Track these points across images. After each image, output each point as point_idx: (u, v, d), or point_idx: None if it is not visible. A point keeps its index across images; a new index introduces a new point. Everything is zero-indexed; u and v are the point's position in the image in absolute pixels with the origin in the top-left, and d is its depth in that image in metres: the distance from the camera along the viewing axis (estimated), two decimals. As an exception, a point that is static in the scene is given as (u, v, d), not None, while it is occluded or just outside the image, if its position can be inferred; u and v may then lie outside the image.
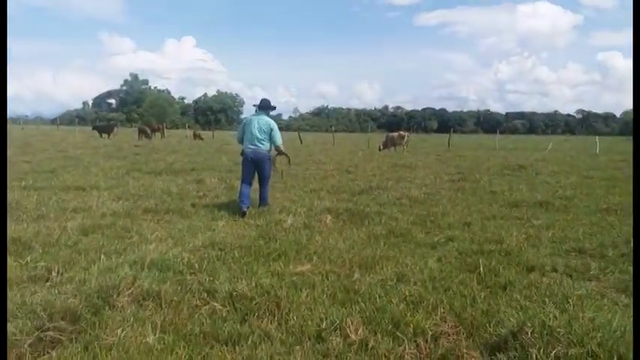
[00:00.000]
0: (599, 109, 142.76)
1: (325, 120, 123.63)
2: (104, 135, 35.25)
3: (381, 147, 26.80)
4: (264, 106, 8.18)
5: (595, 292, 4.19)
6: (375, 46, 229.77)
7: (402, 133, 28.55)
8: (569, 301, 3.76)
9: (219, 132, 71.66)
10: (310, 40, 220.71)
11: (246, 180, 7.94)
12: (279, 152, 8.45)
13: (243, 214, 7.41)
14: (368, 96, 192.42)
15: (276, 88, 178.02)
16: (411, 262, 5.05)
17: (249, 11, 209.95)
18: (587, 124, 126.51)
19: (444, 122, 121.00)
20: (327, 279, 4.37)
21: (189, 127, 54.30)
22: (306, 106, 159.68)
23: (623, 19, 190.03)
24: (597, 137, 33.04)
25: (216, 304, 3.75)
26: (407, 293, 3.98)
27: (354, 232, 6.41)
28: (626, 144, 47.65)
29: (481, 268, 4.77)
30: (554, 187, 11.48)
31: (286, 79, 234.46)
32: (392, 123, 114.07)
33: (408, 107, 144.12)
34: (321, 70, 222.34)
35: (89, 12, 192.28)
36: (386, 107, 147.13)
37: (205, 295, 3.99)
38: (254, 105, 8.27)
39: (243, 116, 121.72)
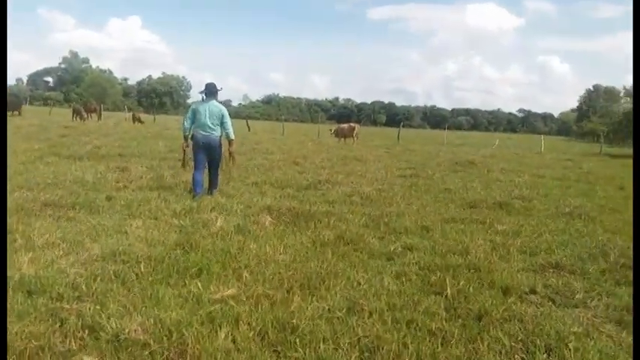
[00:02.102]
0: (538, 109, 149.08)
1: (276, 109, 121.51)
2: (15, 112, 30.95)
3: (332, 133, 26.94)
4: (212, 92, 7.87)
5: (588, 324, 3.40)
6: (327, 38, 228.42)
7: (352, 124, 27.85)
8: (567, 344, 2.93)
9: (162, 116, 68.67)
10: (262, 28, 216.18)
11: (199, 167, 7.80)
12: (230, 150, 8.34)
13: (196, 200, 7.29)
14: (319, 87, 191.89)
15: (225, 73, 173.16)
16: (364, 281, 4.11)
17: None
18: (527, 122, 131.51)
19: (392, 116, 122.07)
20: (258, 308, 3.33)
21: (129, 109, 51.14)
22: (257, 94, 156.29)
23: (562, 25, 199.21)
24: (542, 136, 33.75)
25: (86, 357, 2.61)
26: (360, 333, 3.01)
27: (297, 237, 5.39)
28: (565, 143, 49.64)
29: (448, 290, 3.90)
30: (509, 186, 10.96)
31: (236, 65, 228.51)
32: (342, 115, 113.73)
33: (358, 100, 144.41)
34: (272, 58, 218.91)
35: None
36: (337, 99, 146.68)
37: (86, 335, 2.86)
38: (200, 92, 7.97)
39: (189, 100, 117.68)
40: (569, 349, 2.82)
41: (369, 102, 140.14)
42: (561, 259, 4.91)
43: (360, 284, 4.03)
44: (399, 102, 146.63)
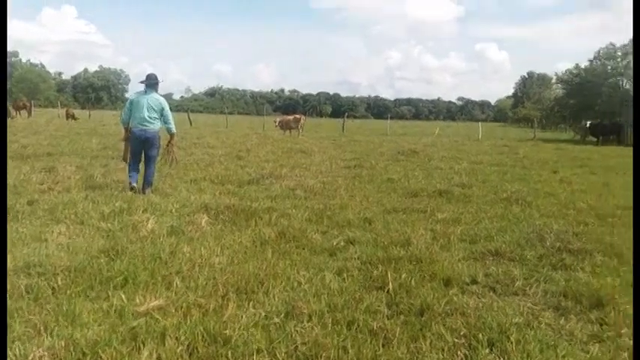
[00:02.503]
0: (476, 97, 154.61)
1: (219, 101, 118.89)
2: None
3: (277, 125, 26.92)
4: (152, 83, 7.67)
5: (528, 312, 3.39)
6: (272, 28, 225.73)
7: (297, 116, 27.60)
8: (508, 335, 2.88)
9: (99, 111, 65.55)
10: (204, 18, 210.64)
11: (135, 161, 7.70)
12: (169, 146, 8.16)
13: (132, 189, 7.43)
14: (264, 78, 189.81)
15: (167, 65, 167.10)
16: (305, 280, 3.93)
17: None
18: (466, 110, 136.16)
19: (337, 107, 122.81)
20: (187, 320, 3.07)
21: (62, 105, 48.36)
22: (200, 86, 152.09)
23: (500, 13, 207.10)
24: (480, 124, 34.94)
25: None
26: (298, 340, 2.83)
27: (235, 237, 5.12)
28: (502, 129, 51.70)
29: (390, 285, 3.80)
30: (449, 174, 11.16)
31: (178, 56, 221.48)
32: (288, 106, 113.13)
33: (304, 91, 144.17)
34: (215, 49, 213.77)
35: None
36: (282, 90, 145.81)
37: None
38: (141, 82, 7.74)
39: (128, 94, 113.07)
40: (511, 342, 2.77)
41: (314, 93, 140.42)
42: (500, 245, 4.95)
43: (300, 284, 3.84)
44: (344, 93, 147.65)
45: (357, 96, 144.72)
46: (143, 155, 7.69)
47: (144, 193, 7.34)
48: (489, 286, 3.94)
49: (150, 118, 7.45)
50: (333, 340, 2.83)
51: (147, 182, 7.59)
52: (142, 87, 7.76)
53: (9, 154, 11.27)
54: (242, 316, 3.13)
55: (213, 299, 3.46)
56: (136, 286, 3.65)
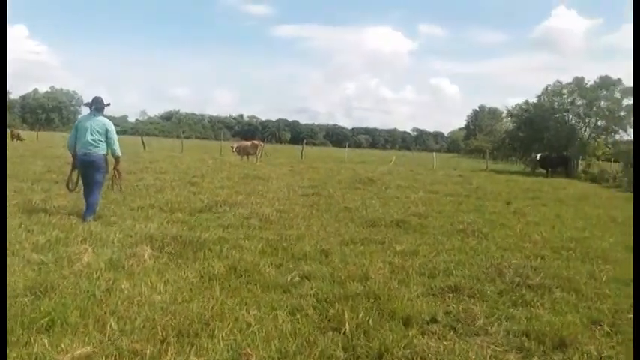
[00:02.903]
0: (430, 128, 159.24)
1: (176, 125, 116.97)
2: None
3: (234, 150, 26.41)
4: (97, 104, 7.48)
5: (490, 356, 3.20)
6: (232, 53, 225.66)
7: (255, 142, 27.35)
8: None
9: (49, 133, 62.97)
10: (162, 40, 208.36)
11: (89, 186, 7.36)
12: (117, 168, 7.91)
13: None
14: (223, 103, 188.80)
15: (122, 88, 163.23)
16: (255, 320, 3.62)
17: (95, 2, 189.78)
18: (420, 141, 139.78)
19: (296, 134, 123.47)
20: (117, 371, 2.70)
21: (7, 126, 45.99)
22: (156, 110, 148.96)
23: (452, 49, 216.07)
24: (435, 154, 35.76)
25: None
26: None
27: (181, 271, 4.75)
28: (455, 160, 53.16)
29: (347, 326, 3.54)
30: (406, 203, 11.13)
31: (134, 79, 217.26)
32: (247, 132, 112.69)
33: (263, 117, 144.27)
34: (173, 72, 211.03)
35: None
36: (241, 116, 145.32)
37: None
38: (85, 104, 7.73)
39: (81, 116, 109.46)
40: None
41: (273, 119, 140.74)
42: (460, 280, 4.81)
43: (249, 325, 3.53)
44: (303, 120, 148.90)
45: (316, 124, 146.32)
46: (87, 182, 7.38)
47: (84, 220, 6.90)
48: (450, 325, 3.75)
49: (93, 141, 7.22)
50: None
51: (89, 209, 7.22)
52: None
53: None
54: (182, 366, 2.78)
55: (150, 344, 3.09)
56: (64, 330, 3.24)
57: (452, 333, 3.62)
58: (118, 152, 7.55)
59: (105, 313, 3.55)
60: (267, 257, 5.51)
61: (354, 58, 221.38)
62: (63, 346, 2.99)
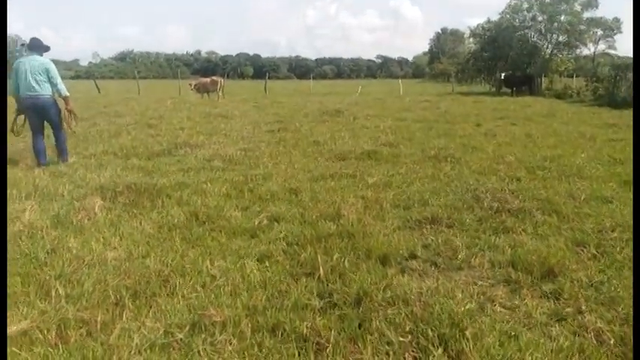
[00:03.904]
0: (394, 54, 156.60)
1: (131, 66, 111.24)
2: None
3: (193, 88, 25.01)
4: (35, 46, 7.09)
5: (478, 293, 2.99)
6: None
7: (215, 78, 26.02)
8: (462, 329, 2.44)
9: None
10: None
11: (36, 132, 7.06)
12: (68, 109, 7.39)
13: (41, 165, 6.90)
14: (178, 40, 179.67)
15: (69, 29, 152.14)
16: (220, 273, 3.29)
17: None
18: (385, 68, 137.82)
19: (259, 68, 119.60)
20: (59, 349, 2.34)
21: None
22: (109, 51, 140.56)
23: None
24: (400, 80, 35.18)
25: None
26: (207, 363, 2.22)
27: (137, 223, 4.33)
28: (421, 85, 52.69)
29: (321, 270, 3.26)
30: (375, 133, 10.80)
31: (81, 20, 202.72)
32: (206, 69, 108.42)
33: (222, 52, 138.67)
34: (123, 11, 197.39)
35: None
36: (199, 52, 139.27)
37: None
38: (21, 45, 7.43)
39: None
40: (467, 339, 2.33)
41: (234, 54, 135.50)
42: (436, 211, 4.56)
43: (214, 279, 3.20)
44: (265, 54, 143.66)
45: (278, 56, 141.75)
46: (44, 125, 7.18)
47: (63, 162, 7.10)
48: (430, 261, 3.52)
49: (36, 82, 6.88)
50: (251, 358, 2.25)
51: (60, 150, 7.26)
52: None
53: None
54: (134, 335, 2.44)
55: (101, 310, 2.74)
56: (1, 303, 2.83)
57: (433, 269, 3.39)
58: (64, 92, 7.11)
59: (49, 277, 3.15)
60: (232, 201, 5.13)
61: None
62: (-2, 322, 2.60)
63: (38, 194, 5.23)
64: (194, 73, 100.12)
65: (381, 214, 4.64)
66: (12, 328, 2.47)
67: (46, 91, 6.95)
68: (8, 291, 2.95)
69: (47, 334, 2.47)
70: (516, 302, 2.85)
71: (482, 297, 2.89)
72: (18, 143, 8.29)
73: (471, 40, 41.78)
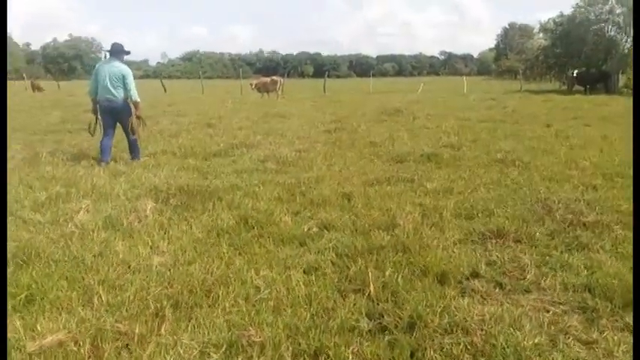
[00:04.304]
0: (458, 51, 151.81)
1: (197, 66, 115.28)
2: None
3: (253, 87, 25.65)
4: (116, 51, 7.54)
5: (548, 322, 2.62)
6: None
7: (274, 78, 26.29)
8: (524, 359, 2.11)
9: (73, 82, 63.04)
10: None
11: (107, 132, 7.52)
12: (137, 114, 7.65)
13: (101, 163, 7.18)
14: (243, 40, 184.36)
15: (140, 31, 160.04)
16: (265, 284, 3.12)
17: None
18: (449, 65, 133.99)
19: (319, 67, 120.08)
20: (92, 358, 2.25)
21: (29, 77, 45.97)
22: (176, 51, 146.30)
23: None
24: (464, 77, 33.94)
25: None
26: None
27: (186, 227, 4.27)
28: (486, 82, 50.63)
29: (372, 287, 3.01)
30: (436, 133, 10.34)
31: (152, 21, 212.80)
32: (268, 68, 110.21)
33: (284, 52, 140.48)
34: (190, 11, 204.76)
35: None
36: (261, 51, 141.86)
37: None
38: (104, 50, 7.91)
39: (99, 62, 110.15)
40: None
41: (294, 53, 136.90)
42: (502, 222, 4.16)
43: (258, 290, 3.03)
44: (326, 52, 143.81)
45: (338, 55, 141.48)
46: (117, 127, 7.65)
47: (133, 160, 7.44)
48: (495, 281, 3.16)
49: (112, 87, 7.30)
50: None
51: (132, 152, 7.59)
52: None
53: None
54: (169, 352, 2.31)
55: (139, 322, 2.63)
56: (42, 307, 2.81)
57: (497, 290, 3.04)
58: (136, 97, 7.45)
59: (93, 282, 3.11)
60: (282, 205, 4.97)
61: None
62: (39, 328, 2.57)
63: (95, 193, 5.32)
64: (256, 73, 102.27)
65: (440, 224, 4.30)
66: (48, 339, 2.41)
67: (120, 95, 7.37)
68: (52, 295, 2.93)
69: (82, 347, 2.39)
70: (594, 336, 2.46)
71: (553, 327, 2.53)
72: (82, 143, 8.63)
73: (541, 35, 39.70)
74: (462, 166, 6.97)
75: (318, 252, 3.69)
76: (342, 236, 3.99)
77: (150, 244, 3.81)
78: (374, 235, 3.93)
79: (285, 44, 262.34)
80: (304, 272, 3.34)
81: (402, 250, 3.60)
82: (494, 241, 3.83)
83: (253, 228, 4.26)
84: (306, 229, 4.17)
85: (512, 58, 67.76)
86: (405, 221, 4.27)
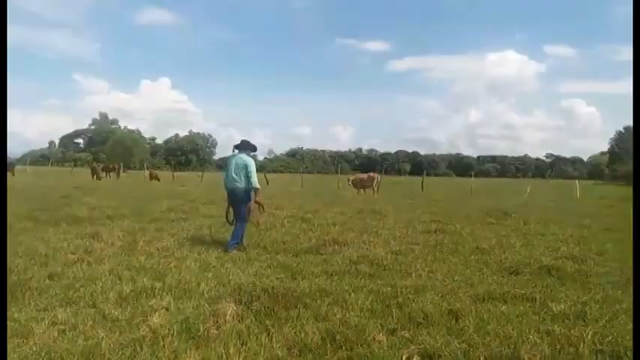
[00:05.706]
0: (566, 154, 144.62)
1: (299, 161, 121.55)
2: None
3: (350, 183, 26.11)
4: (243, 147, 8.26)
5: None
6: (350, 91, 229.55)
7: (372, 174, 26.29)
8: None
9: (187, 173, 68.82)
10: (285, 83, 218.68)
11: (237, 219, 8.02)
12: (257, 200, 8.20)
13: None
14: (342, 139, 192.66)
15: (251, 129, 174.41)
16: None
17: (227, 53, 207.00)
18: (556, 167, 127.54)
19: (417, 165, 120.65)
20: None
21: (148, 167, 51.01)
22: (282, 148, 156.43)
23: (584, 69, 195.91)
24: (577, 181, 31.56)
25: None
26: None
27: (266, 339, 3.74)
28: (599, 187, 46.71)
29: None
30: (553, 242, 9.16)
31: (261, 120, 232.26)
32: (366, 165, 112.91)
33: (382, 150, 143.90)
34: (296, 112, 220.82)
35: (65, 52, 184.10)
36: (360, 149, 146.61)
37: None
38: (234, 146, 8.32)
39: (216, 157, 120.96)
40: None
41: (392, 151, 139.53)
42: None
43: None
44: (423, 151, 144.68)
45: (437, 154, 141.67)
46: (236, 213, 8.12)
47: (227, 250, 7.48)
48: None
49: (235, 176, 7.92)
50: None
51: (233, 239, 7.77)
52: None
53: (62, 218, 10.83)
54: None
55: None
56: None
57: None
58: (255, 184, 7.92)
59: (152, 406, 2.64)
60: (376, 319, 4.30)
61: (477, 84, 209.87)
62: None
63: (179, 290, 5.05)
64: (354, 169, 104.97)
65: (577, 363, 3.36)
66: None
67: (242, 183, 7.90)
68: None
69: None
70: None
71: None
72: (180, 232, 8.74)
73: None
74: (591, 283, 5.87)
75: (421, 392, 2.94)
76: (450, 372, 3.20)
77: (224, 358, 3.31)
78: (492, 376, 3.10)
79: (384, 142, 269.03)
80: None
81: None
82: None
83: (341, 347, 3.63)
84: (404, 357, 3.44)
85: (629, 162, 62.88)
86: (531, 356, 3.38)
